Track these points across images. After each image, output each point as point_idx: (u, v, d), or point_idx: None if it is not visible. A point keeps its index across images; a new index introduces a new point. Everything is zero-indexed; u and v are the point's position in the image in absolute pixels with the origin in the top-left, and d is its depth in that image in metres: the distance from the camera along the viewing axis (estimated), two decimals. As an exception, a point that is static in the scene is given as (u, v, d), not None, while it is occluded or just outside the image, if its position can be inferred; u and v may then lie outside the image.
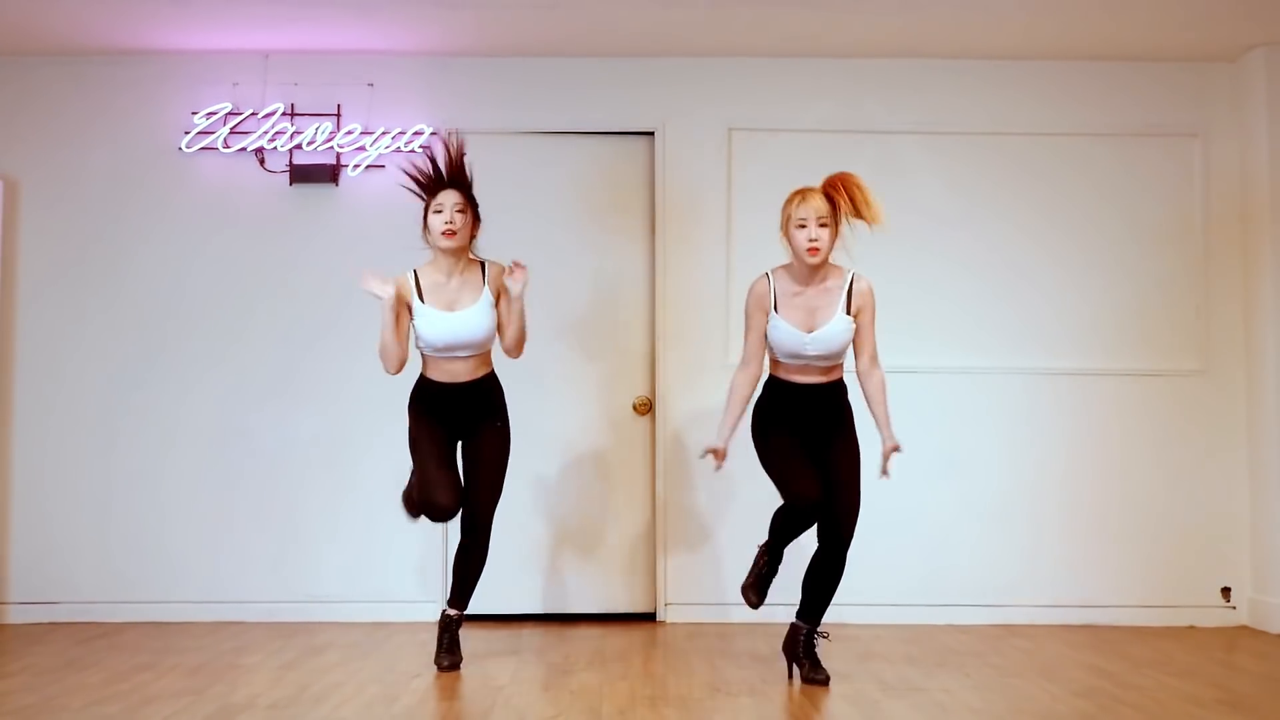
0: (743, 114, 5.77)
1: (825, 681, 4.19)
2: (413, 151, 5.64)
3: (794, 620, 4.31)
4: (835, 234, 4.13)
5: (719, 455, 4.24)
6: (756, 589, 4.28)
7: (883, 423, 4.24)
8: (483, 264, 4.49)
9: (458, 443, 4.50)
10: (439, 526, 5.58)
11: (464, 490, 4.41)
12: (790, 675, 4.31)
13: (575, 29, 5.46)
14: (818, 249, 4.08)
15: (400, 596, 5.61)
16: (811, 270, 4.15)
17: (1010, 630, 5.34)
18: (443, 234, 4.36)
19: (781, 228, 4.21)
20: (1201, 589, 5.64)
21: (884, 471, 4.20)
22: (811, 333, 4.14)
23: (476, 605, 5.50)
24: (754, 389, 4.31)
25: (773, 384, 4.27)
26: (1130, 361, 5.72)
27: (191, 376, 5.66)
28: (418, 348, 4.45)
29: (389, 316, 4.35)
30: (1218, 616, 5.61)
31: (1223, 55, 5.72)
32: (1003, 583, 5.58)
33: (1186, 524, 5.66)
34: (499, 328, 4.46)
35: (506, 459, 4.49)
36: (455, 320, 4.36)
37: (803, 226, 4.08)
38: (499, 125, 5.75)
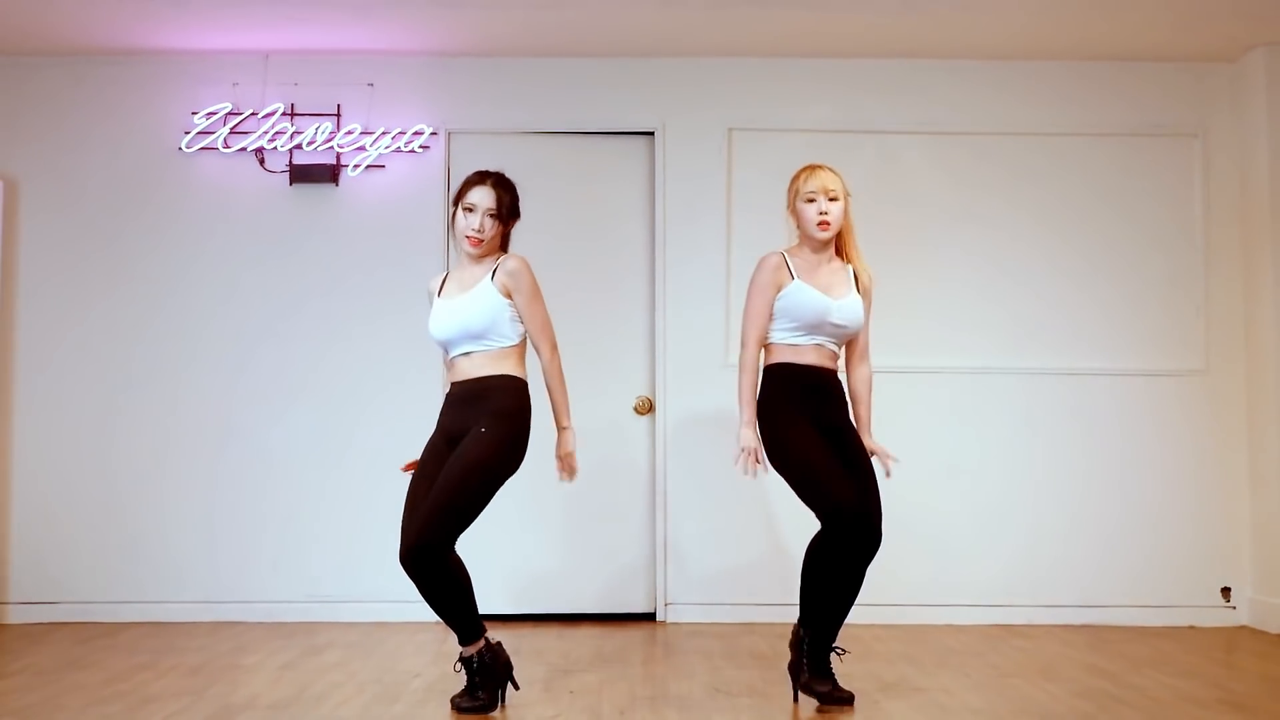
0: (743, 114, 5.77)
1: (830, 699, 3.86)
2: (413, 151, 5.67)
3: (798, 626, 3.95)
4: (845, 211, 3.99)
5: (756, 457, 3.88)
6: (813, 672, 3.85)
7: (866, 424, 4.05)
8: (500, 256, 3.98)
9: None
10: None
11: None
12: (795, 698, 4.05)
13: (575, 29, 5.47)
14: (828, 223, 3.92)
15: (400, 596, 5.55)
16: (822, 246, 3.99)
17: (1010, 630, 5.34)
18: (467, 239, 3.90)
19: (789, 204, 4.05)
20: (1201, 589, 5.64)
21: (887, 474, 4.08)
22: (838, 300, 3.94)
23: (477, 605, 5.57)
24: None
25: (777, 372, 3.94)
26: (1130, 361, 5.72)
27: (192, 376, 5.67)
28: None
29: None
30: (1218, 616, 5.62)
31: (1223, 55, 5.73)
32: (1002, 583, 5.59)
33: (1186, 524, 5.67)
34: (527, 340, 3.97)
35: (478, 473, 3.73)
36: (448, 307, 3.90)
37: (812, 200, 3.94)
38: (499, 125, 5.76)
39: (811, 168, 4.02)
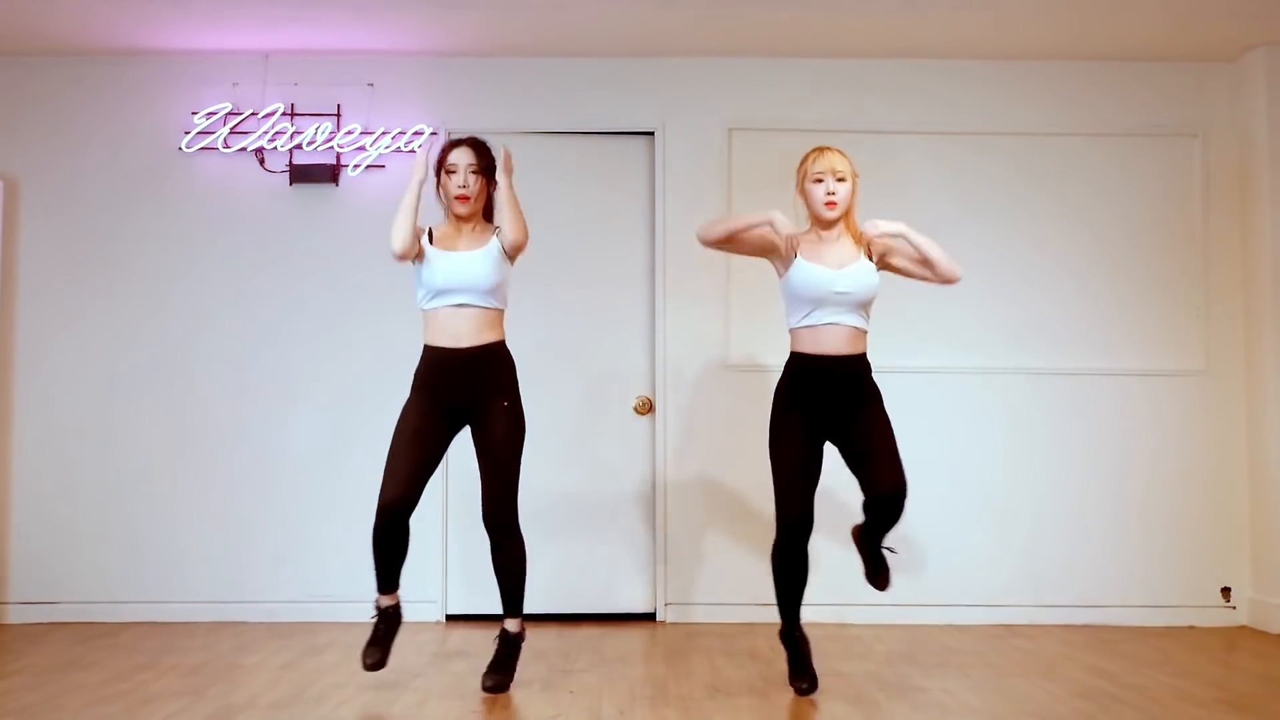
0: (743, 114, 5.78)
1: (884, 579, 4.21)
2: (413, 151, 5.66)
3: (865, 517, 4.11)
4: (853, 192, 4.06)
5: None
6: (804, 675, 4.11)
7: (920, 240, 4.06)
8: (496, 229, 4.13)
9: (452, 436, 4.09)
10: (437, 527, 5.60)
11: (417, 486, 3.97)
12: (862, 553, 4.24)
13: (575, 29, 5.47)
14: (834, 203, 4.00)
15: (401, 597, 5.60)
16: (828, 225, 4.05)
17: (1010, 630, 5.34)
18: (456, 198, 4.04)
19: (797, 185, 4.12)
20: (1201, 589, 5.64)
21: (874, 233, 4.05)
22: (841, 269, 3.99)
23: (479, 605, 5.61)
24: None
25: (791, 363, 4.06)
26: (1130, 361, 5.72)
27: (192, 376, 5.67)
28: (420, 308, 4.10)
29: (415, 194, 4.01)
30: (1218, 616, 5.62)
31: (1222, 55, 5.73)
32: (1003, 583, 5.58)
33: (1187, 524, 5.67)
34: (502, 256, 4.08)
35: (520, 444, 4.06)
36: (457, 258, 4.01)
37: (820, 181, 4.02)
38: (499, 125, 5.72)
39: (820, 149, 4.10)
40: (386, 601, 4.14)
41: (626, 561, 5.70)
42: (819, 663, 4.63)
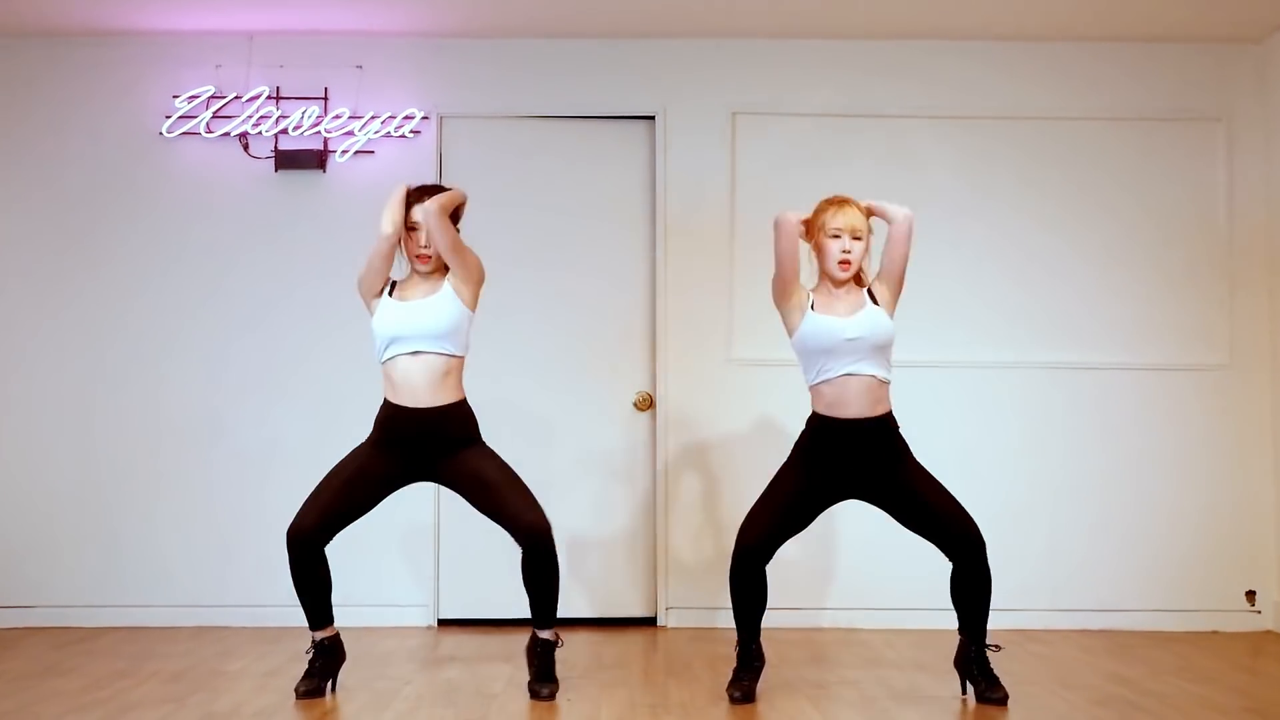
0: (746, 97, 5.75)
1: (1003, 700, 3.98)
2: (403, 136, 5.64)
3: (961, 636, 4.14)
4: (865, 250, 4.09)
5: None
6: (738, 684, 4.08)
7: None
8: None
9: (394, 489, 4.16)
10: (428, 529, 5.57)
11: (330, 528, 4.08)
12: (964, 690, 4.16)
13: (572, 9, 5.44)
14: (849, 262, 4.04)
15: (391, 601, 5.60)
16: (840, 283, 4.09)
17: (1026, 635, 5.32)
18: (417, 258, 4.13)
19: (810, 234, 4.12)
20: (1225, 592, 5.62)
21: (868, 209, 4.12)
22: (851, 316, 4.02)
23: (472, 609, 5.60)
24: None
25: (812, 423, 4.09)
26: (1151, 355, 5.70)
27: (173, 371, 5.64)
28: (377, 361, 4.15)
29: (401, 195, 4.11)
30: (1242, 621, 5.60)
31: (1247, 36, 5.69)
32: (1018, 586, 5.55)
33: (1210, 524, 5.65)
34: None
35: (508, 469, 4.12)
36: (410, 305, 4.07)
37: (837, 237, 4.04)
38: (492, 109, 5.73)
39: (839, 203, 4.09)
40: (321, 635, 4.19)
41: (625, 564, 5.68)
42: (827, 667, 4.67)
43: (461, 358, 4.15)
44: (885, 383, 4.05)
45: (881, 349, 4.03)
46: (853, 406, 3.99)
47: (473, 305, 4.15)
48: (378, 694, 4.19)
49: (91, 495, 5.60)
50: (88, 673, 4.51)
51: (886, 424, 4.04)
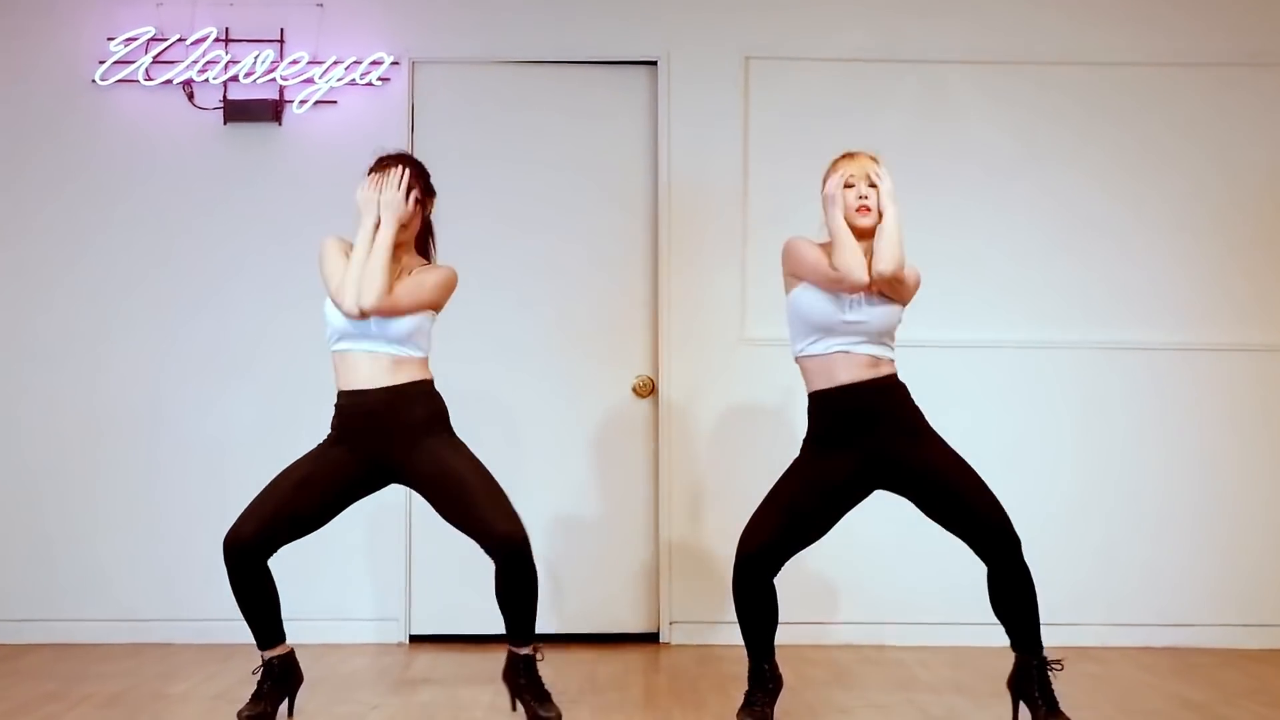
0: (761, 40, 5.71)
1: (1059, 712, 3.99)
2: (370, 84, 5.59)
3: (1015, 653, 4.13)
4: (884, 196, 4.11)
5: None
6: (750, 709, 4.06)
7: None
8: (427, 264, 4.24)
9: (350, 500, 4.13)
10: (398, 533, 5.55)
11: (274, 537, 4.03)
12: (1015, 716, 4.12)
13: (563, -62, 5.38)
14: (868, 208, 4.05)
15: (356, 615, 5.61)
16: (859, 235, 4.08)
17: (1078, 653, 5.27)
18: None
19: (823, 191, 4.14)
20: (1305, 604, 5.63)
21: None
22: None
23: (448, 624, 5.61)
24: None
25: (811, 404, 4.12)
26: (1222, 335, 5.68)
27: (111, 350, 5.62)
28: (329, 348, 4.16)
29: (391, 237, 4.03)
30: (1323, 636, 5.61)
31: (1332, -30, 5.64)
32: (1068, 597, 5.52)
33: (1286, 526, 5.65)
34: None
35: (479, 466, 4.07)
36: None
37: (851, 185, 4.08)
38: (472, 54, 5.70)
39: (850, 154, 4.17)
40: (271, 654, 4.16)
41: (624, 573, 5.67)
42: (852, 689, 4.68)
43: (425, 357, 4.17)
44: (884, 360, 4.10)
45: (886, 333, 4.09)
46: (846, 376, 4.04)
47: (439, 309, 4.18)
48: (340, 719, 4.18)
49: (18, 494, 5.58)
50: (12, 696, 4.49)
51: (890, 383, 4.08)
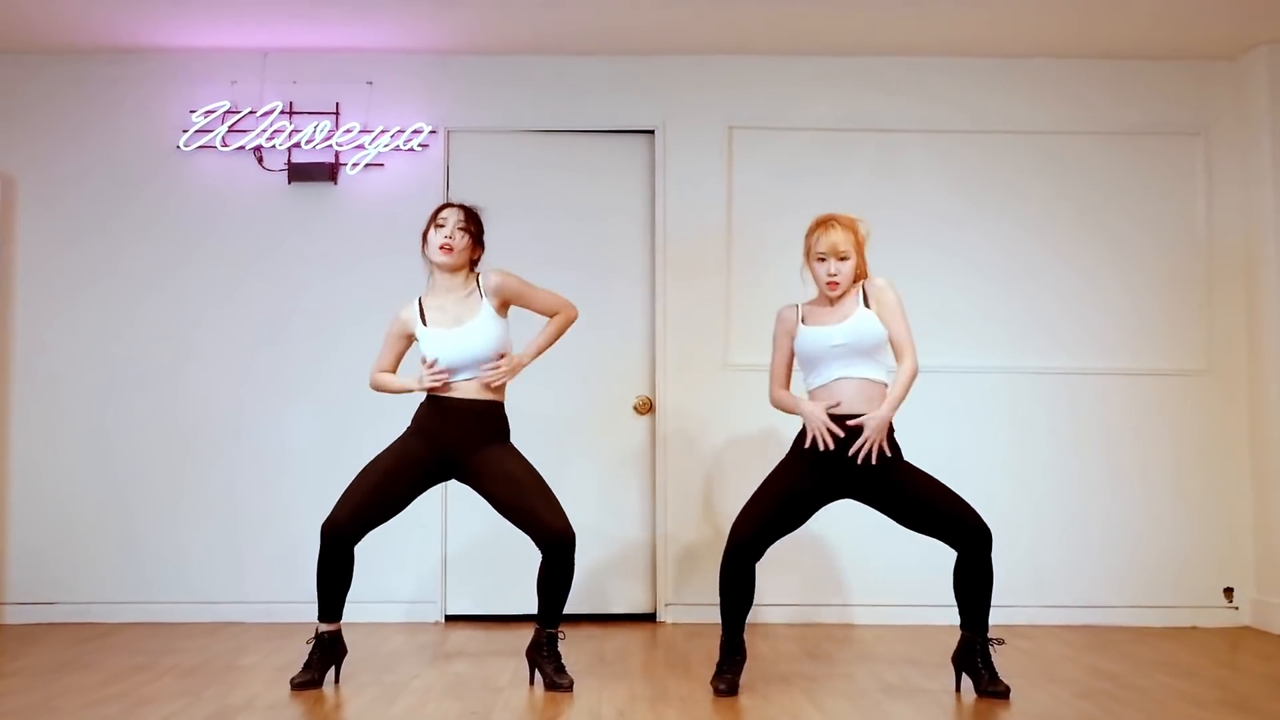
0: (743, 112, 5.75)
1: (1005, 694, 3.99)
2: (411, 150, 5.65)
3: (962, 631, 4.14)
4: (858, 263, 4.09)
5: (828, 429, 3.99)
6: (721, 677, 4.09)
7: (889, 400, 4.03)
8: (477, 276, 4.26)
9: (425, 489, 4.17)
10: (435, 525, 5.58)
11: (364, 523, 4.06)
12: (958, 687, 4.16)
13: (574, 27, 5.45)
14: (836, 283, 4.06)
15: (399, 597, 5.60)
16: (833, 302, 4.13)
17: (1012, 631, 5.30)
18: (440, 248, 4.17)
19: (804, 255, 4.15)
20: (1204, 589, 5.62)
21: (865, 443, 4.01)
22: (839, 323, 4.05)
23: (478, 605, 5.59)
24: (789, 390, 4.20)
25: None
26: (1133, 361, 5.70)
27: (191, 375, 5.65)
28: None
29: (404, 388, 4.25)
30: (1220, 617, 5.60)
31: (1225, 54, 5.71)
32: (1004, 583, 5.44)
33: (1189, 524, 5.65)
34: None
35: (533, 472, 4.14)
36: (460, 336, 4.14)
37: (822, 260, 4.07)
38: (497, 124, 5.74)
39: (826, 224, 4.10)
40: (325, 628, 4.20)
41: (625, 561, 5.67)
42: (821, 661, 4.65)
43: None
44: (879, 383, 4.06)
45: (869, 352, 4.05)
46: (845, 406, 4.02)
47: (506, 313, 4.27)
48: (386, 687, 4.19)
49: (111, 494, 5.60)
50: (106, 667, 4.50)
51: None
